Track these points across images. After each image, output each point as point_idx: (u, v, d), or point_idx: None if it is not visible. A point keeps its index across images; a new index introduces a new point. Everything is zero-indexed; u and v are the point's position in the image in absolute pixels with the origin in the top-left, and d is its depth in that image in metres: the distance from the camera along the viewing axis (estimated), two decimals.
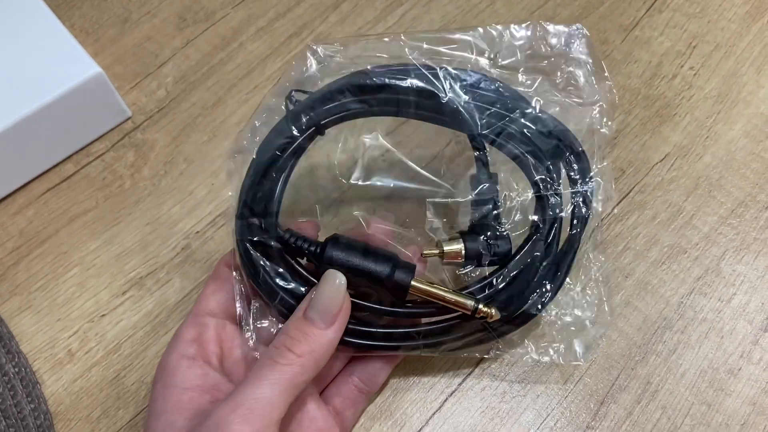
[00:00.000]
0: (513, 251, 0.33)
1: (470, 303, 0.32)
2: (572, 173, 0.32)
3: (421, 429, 0.35)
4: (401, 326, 0.33)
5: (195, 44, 0.48)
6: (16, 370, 0.38)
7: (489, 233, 0.33)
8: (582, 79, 0.33)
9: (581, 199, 0.32)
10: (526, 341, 0.35)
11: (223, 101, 0.46)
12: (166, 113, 0.46)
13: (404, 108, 0.32)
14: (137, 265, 0.41)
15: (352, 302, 0.31)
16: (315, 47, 0.33)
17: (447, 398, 0.36)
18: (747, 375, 0.36)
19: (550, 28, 0.34)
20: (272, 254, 0.32)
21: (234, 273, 0.33)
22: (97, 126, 0.44)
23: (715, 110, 0.44)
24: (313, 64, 0.33)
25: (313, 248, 0.32)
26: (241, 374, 0.33)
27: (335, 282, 0.30)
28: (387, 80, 0.31)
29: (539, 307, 0.32)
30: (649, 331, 0.37)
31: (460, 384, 0.36)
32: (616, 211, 0.41)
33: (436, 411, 0.36)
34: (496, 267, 0.33)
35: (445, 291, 0.32)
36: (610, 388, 0.36)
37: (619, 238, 0.40)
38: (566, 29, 0.34)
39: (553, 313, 0.34)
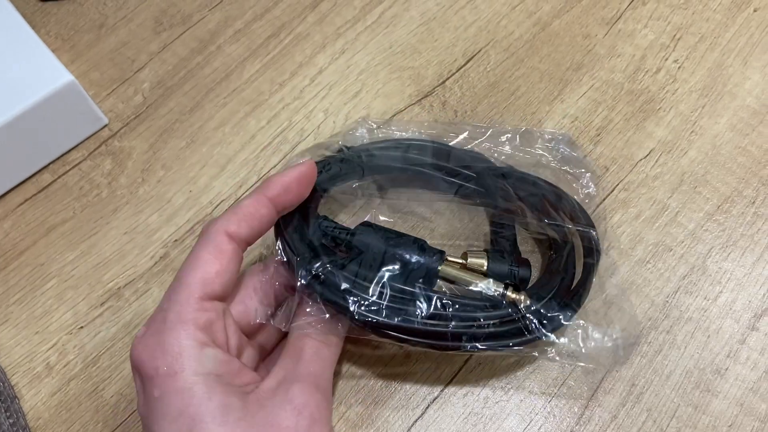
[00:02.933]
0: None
1: (499, 290, 0.32)
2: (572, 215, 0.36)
3: None
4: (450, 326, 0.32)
5: (172, 48, 0.48)
6: None
7: (512, 257, 0.35)
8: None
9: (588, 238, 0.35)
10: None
11: (201, 106, 0.45)
12: (143, 119, 0.45)
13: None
14: (115, 275, 0.40)
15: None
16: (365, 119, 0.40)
17: (429, 405, 0.35)
18: (734, 375, 0.35)
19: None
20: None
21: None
22: (73, 134, 0.44)
23: (700, 104, 0.43)
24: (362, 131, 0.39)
25: (344, 235, 0.34)
26: (248, 370, 0.31)
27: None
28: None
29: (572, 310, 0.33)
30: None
31: (442, 390, 0.36)
32: (599, 209, 0.40)
33: (419, 418, 0.35)
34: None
35: (473, 276, 0.33)
36: (595, 391, 0.35)
37: (602, 237, 0.39)
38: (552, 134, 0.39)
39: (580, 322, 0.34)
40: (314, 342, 0.31)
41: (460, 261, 0.34)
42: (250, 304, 0.33)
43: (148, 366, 0.27)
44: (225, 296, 0.31)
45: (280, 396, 0.28)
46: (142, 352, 0.28)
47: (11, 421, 0.36)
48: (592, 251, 0.35)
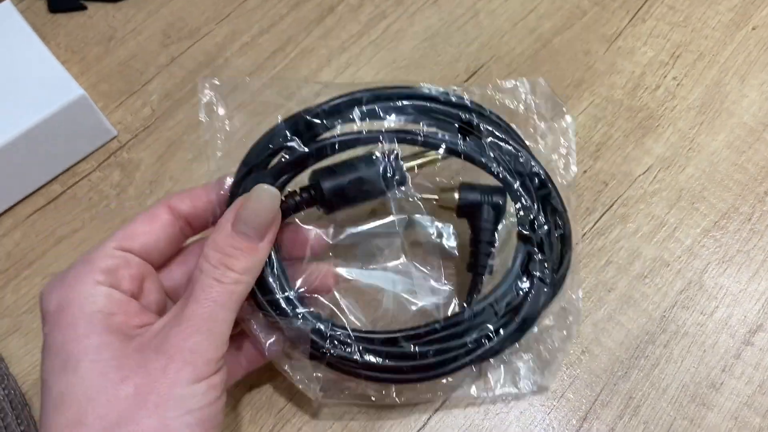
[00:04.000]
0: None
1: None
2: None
3: None
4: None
5: (179, 61, 0.48)
6: (6, 392, 0.38)
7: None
8: (543, 129, 0.36)
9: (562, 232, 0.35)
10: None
11: None
12: (152, 132, 0.46)
13: None
14: None
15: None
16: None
17: (431, 416, 0.36)
18: (729, 389, 0.36)
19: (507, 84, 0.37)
20: None
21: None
22: (82, 146, 0.45)
23: (698, 121, 0.44)
24: None
25: (307, 194, 0.33)
26: (153, 319, 0.31)
27: (266, 194, 0.30)
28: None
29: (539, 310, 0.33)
30: (632, 346, 0.37)
31: (444, 401, 0.36)
32: (598, 224, 0.41)
33: (420, 429, 0.36)
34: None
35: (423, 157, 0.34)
36: (593, 404, 0.36)
37: (601, 252, 0.40)
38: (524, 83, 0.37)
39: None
40: (208, 280, 0.29)
41: (433, 196, 0.35)
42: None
43: (44, 303, 0.29)
44: (146, 256, 0.31)
45: (158, 339, 0.28)
46: (44, 290, 0.29)
47: (22, 428, 0.37)
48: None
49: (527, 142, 0.36)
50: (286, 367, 0.34)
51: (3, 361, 0.39)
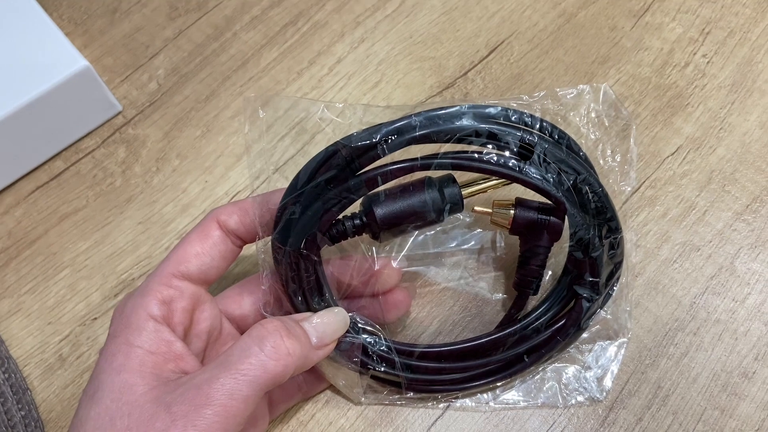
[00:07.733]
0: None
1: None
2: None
3: None
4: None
5: (187, 34, 0.47)
6: (6, 376, 0.37)
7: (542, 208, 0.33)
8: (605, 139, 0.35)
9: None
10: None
11: (217, 94, 0.44)
12: (158, 107, 0.44)
13: None
14: (129, 266, 0.39)
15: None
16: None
17: (450, 404, 0.35)
18: (762, 378, 0.34)
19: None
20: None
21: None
22: (86, 121, 0.43)
23: (730, 100, 0.42)
24: None
25: (359, 221, 0.31)
26: (201, 347, 0.32)
27: (341, 319, 0.31)
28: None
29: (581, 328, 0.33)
30: (660, 333, 0.36)
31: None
32: (625, 207, 0.39)
33: (439, 417, 0.34)
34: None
35: (483, 182, 0.33)
36: (620, 393, 0.34)
37: (628, 235, 0.38)
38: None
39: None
40: (252, 347, 0.27)
41: (489, 210, 0.34)
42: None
43: (111, 324, 0.30)
44: (203, 279, 0.31)
45: (176, 394, 0.27)
46: (114, 312, 0.30)
47: (23, 413, 0.36)
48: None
49: (585, 149, 0.33)
50: (329, 372, 0.34)
51: (3, 343, 0.38)
